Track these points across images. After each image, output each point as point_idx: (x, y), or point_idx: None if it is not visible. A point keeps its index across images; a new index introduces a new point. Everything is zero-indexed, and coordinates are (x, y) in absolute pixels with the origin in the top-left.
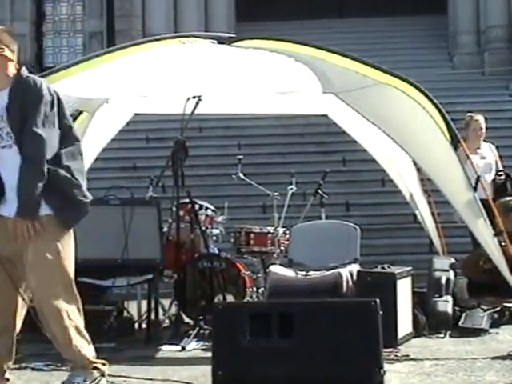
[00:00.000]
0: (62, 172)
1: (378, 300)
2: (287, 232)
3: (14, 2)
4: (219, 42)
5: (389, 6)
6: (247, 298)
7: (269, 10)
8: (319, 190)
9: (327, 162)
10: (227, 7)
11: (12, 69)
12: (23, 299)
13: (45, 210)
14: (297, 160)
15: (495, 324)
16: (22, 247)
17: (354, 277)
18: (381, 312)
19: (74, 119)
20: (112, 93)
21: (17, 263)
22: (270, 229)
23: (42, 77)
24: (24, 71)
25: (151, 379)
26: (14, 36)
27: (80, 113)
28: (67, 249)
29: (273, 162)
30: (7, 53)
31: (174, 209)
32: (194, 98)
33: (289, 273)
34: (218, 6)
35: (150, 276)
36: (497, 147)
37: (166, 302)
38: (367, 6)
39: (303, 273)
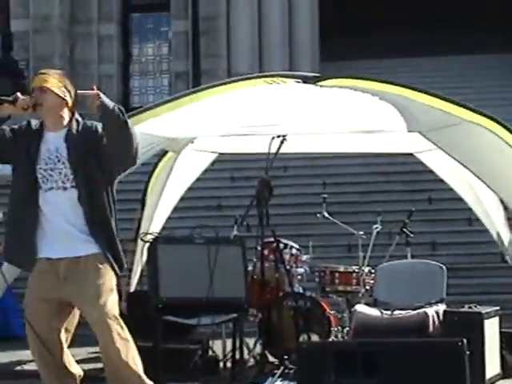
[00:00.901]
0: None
1: (464, 340)
2: (372, 271)
3: (102, 44)
4: (304, 82)
5: (476, 43)
6: (332, 338)
7: (352, 50)
8: (405, 229)
9: (413, 200)
10: (311, 46)
11: (68, 113)
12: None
13: (103, 250)
14: (382, 199)
15: None
16: (73, 288)
17: (441, 316)
18: (468, 352)
19: (160, 159)
20: (197, 132)
21: (63, 305)
22: (355, 268)
23: (129, 117)
24: (77, 116)
25: None
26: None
27: (166, 152)
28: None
29: (358, 200)
30: (68, 99)
31: (259, 248)
32: (278, 137)
33: (374, 312)
34: (302, 46)
35: (235, 315)
36: None
37: (250, 341)
38: (454, 44)
39: (388, 312)
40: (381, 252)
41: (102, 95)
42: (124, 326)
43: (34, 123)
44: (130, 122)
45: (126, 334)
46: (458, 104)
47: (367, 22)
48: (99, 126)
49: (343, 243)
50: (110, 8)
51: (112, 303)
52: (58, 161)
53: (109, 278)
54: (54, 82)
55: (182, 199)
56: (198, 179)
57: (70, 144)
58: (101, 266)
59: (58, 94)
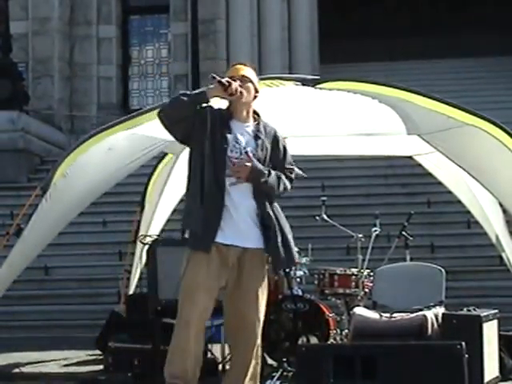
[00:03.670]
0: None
1: (463, 343)
2: (371, 274)
3: (101, 46)
4: (303, 84)
5: (475, 47)
6: (331, 340)
7: (352, 52)
8: (404, 232)
9: (412, 203)
10: (311, 49)
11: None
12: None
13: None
14: (381, 201)
15: None
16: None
17: (440, 319)
18: (466, 355)
19: (159, 161)
20: None
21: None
22: (354, 271)
23: (129, 119)
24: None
25: None
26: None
27: (165, 154)
28: None
29: (357, 203)
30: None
31: None
32: None
33: (373, 315)
34: (301, 49)
35: None
36: None
37: None
38: (453, 47)
39: (387, 315)
40: (380, 255)
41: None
42: None
43: (217, 108)
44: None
45: None
46: (458, 107)
47: (367, 24)
48: (280, 139)
49: (342, 246)
50: (109, 10)
51: None
52: (244, 153)
53: None
54: (253, 74)
55: (183, 201)
56: None
57: (258, 140)
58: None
59: (255, 87)
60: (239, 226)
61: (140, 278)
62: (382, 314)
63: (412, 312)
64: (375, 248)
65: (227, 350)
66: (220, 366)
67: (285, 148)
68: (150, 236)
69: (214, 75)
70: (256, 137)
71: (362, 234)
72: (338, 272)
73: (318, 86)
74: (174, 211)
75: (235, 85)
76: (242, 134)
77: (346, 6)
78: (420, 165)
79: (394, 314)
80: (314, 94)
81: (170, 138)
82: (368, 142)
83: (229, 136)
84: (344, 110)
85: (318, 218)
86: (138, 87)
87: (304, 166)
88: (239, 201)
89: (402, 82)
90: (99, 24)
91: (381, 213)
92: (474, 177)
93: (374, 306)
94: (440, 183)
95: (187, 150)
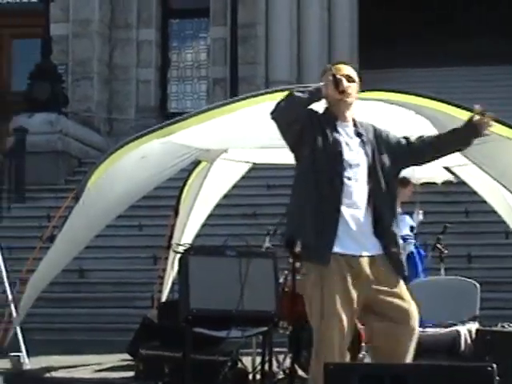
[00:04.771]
0: None
1: (494, 365)
2: None
3: (140, 49)
4: None
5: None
6: (362, 353)
7: (391, 58)
8: (438, 245)
9: (450, 212)
10: (350, 54)
11: None
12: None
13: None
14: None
15: None
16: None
17: (473, 335)
18: (497, 378)
19: (194, 167)
20: (229, 144)
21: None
22: None
23: (163, 127)
24: None
25: None
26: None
27: (199, 162)
28: None
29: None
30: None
31: (291, 260)
32: None
33: None
34: (341, 54)
35: (265, 328)
36: None
37: (281, 354)
38: (495, 53)
39: (420, 329)
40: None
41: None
42: None
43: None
44: None
45: None
46: (495, 120)
47: (407, 30)
48: (381, 129)
49: None
50: (149, 13)
51: None
52: (350, 149)
53: None
54: (355, 75)
55: (217, 206)
56: (233, 187)
57: (362, 137)
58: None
59: (357, 88)
60: (357, 232)
61: (173, 284)
62: None
63: (445, 327)
64: None
65: (258, 361)
66: (250, 376)
67: (387, 132)
68: (182, 245)
69: (330, 66)
70: (359, 135)
71: None
72: None
73: None
74: (210, 216)
75: (346, 83)
76: (348, 135)
77: (387, 12)
78: (456, 174)
79: (427, 329)
80: None
81: (204, 146)
82: None
83: (340, 138)
84: (379, 121)
85: None
86: (176, 90)
87: None
88: (356, 204)
89: (443, 89)
90: (139, 27)
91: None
92: (507, 188)
93: None
94: (476, 193)
95: (222, 157)
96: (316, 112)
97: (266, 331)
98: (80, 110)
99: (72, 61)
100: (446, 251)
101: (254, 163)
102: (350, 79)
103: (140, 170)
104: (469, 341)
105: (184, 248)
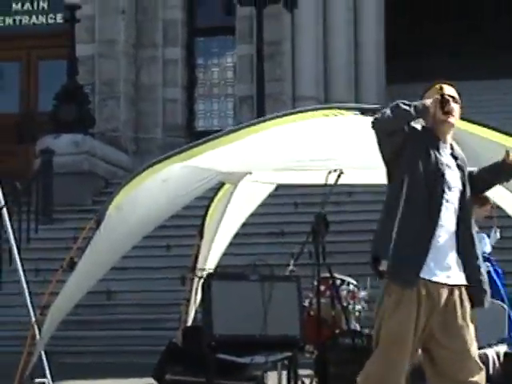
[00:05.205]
0: None
1: None
2: None
3: (167, 68)
4: (362, 113)
5: None
6: None
7: (419, 73)
8: None
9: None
10: (377, 69)
11: None
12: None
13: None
14: None
15: None
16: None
17: (501, 358)
18: None
19: (218, 189)
20: (252, 166)
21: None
22: None
23: (184, 150)
24: None
25: None
26: None
27: (223, 184)
28: None
29: None
30: None
31: (315, 283)
32: (335, 171)
33: None
34: (368, 69)
35: (290, 353)
36: None
37: (307, 378)
38: None
39: None
40: None
41: None
42: None
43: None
44: None
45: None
46: None
47: (436, 42)
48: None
49: None
50: (175, 32)
51: None
52: (450, 169)
53: None
54: (457, 96)
55: (245, 225)
56: (260, 205)
57: (459, 163)
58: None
59: (459, 111)
60: (444, 259)
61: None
62: None
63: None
64: None
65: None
66: None
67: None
68: (205, 269)
69: (442, 85)
70: (455, 158)
71: None
72: None
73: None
74: (237, 235)
75: (452, 104)
76: (448, 157)
77: (413, 26)
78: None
79: None
80: None
81: (226, 169)
82: None
83: (442, 159)
84: None
85: None
86: (203, 109)
87: (369, 189)
88: (448, 229)
89: (470, 102)
90: (165, 46)
91: None
92: None
93: None
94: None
95: (246, 179)
96: (416, 129)
97: (291, 356)
98: (107, 130)
99: (98, 81)
100: None
101: (279, 184)
102: (454, 100)
103: (161, 193)
104: (497, 364)
105: (207, 273)
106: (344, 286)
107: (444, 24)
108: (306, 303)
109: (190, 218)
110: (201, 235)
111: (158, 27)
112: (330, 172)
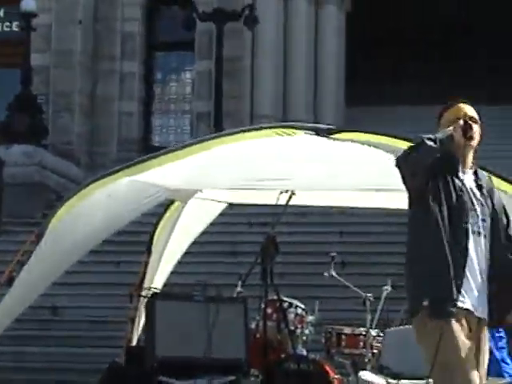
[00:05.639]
0: None
1: None
2: (381, 335)
3: (124, 81)
4: (317, 134)
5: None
6: None
7: (378, 95)
8: None
9: None
10: (337, 90)
11: None
12: None
13: None
14: (395, 260)
15: None
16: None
17: None
18: None
19: (167, 207)
20: (200, 184)
21: None
22: (363, 330)
23: (132, 165)
24: None
25: None
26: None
27: (172, 201)
28: None
29: (372, 251)
30: None
31: (263, 305)
32: (286, 191)
33: (379, 380)
34: (327, 89)
35: (233, 377)
36: None
37: None
38: (481, 92)
39: (394, 381)
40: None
41: None
42: None
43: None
44: None
45: None
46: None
47: (394, 68)
48: (495, 190)
49: (352, 304)
50: (133, 45)
51: None
52: (475, 198)
53: None
54: (477, 115)
55: (195, 243)
56: (212, 224)
57: (482, 189)
58: None
59: (479, 132)
60: (476, 290)
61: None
62: (390, 380)
63: (421, 379)
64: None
65: None
66: None
67: (496, 192)
68: (148, 289)
69: (465, 109)
70: (478, 186)
71: (374, 288)
72: (346, 331)
73: (331, 135)
74: (187, 254)
75: (475, 128)
76: (470, 184)
77: (375, 49)
78: None
79: (402, 381)
80: (327, 145)
81: (173, 186)
82: (385, 196)
83: (463, 188)
84: (356, 164)
85: (326, 274)
86: (160, 124)
87: (322, 211)
88: (477, 259)
89: (427, 127)
90: (123, 59)
91: (398, 262)
92: None
93: (381, 370)
94: None
95: (196, 196)
96: (438, 160)
97: (235, 380)
98: (60, 142)
99: (53, 92)
100: None
101: (230, 203)
102: (474, 121)
103: (106, 208)
104: None
105: (151, 292)
106: (292, 309)
107: (404, 49)
108: (253, 325)
109: (141, 235)
110: (148, 252)
111: (116, 40)
112: (281, 192)
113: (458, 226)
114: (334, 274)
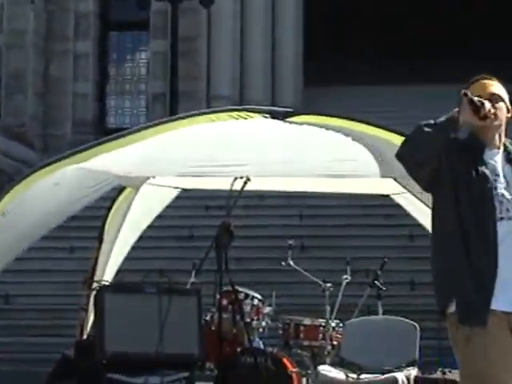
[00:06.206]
0: None
1: None
2: (341, 325)
3: (78, 62)
4: (272, 117)
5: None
6: None
7: (338, 75)
8: (376, 281)
9: (393, 236)
10: (295, 72)
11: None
12: None
13: None
14: (361, 233)
15: None
16: None
17: (411, 382)
18: None
19: (119, 193)
20: (151, 171)
21: None
22: (322, 321)
23: (79, 152)
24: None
25: None
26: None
27: (124, 188)
28: None
29: (335, 234)
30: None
31: (218, 296)
32: (241, 178)
33: (339, 375)
34: (285, 70)
35: (187, 374)
36: None
37: None
38: (441, 71)
39: (354, 376)
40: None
41: None
42: None
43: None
44: None
45: None
46: None
47: (354, 45)
48: None
49: (309, 294)
50: (87, 25)
51: None
52: (495, 187)
53: None
54: (503, 90)
55: (150, 227)
56: (168, 207)
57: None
58: None
59: (506, 106)
60: (508, 284)
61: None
62: (349, 374)
63: (382, 373)
64: (346, 296)
65: None
66: None
67: None
68: (97, 282)
69: (466, 92)
70: (510, 160)
71: (330, 283)
72: (305, 322)
73: (288, 119)
74: (143, 238)
75: (488, 106)
76: (496, 164)
77: (333, 26)
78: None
79: (362, 375)
80: (283, 129)
81: (123, 172)
82: (344, 180)
83: (486, 171)
84: (314, 148)
85: (283, 263)
86: (115, 105)
87: (282, 194)
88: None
89: (389, 107)
90: (76, 39)
91: (360, 245)
92: None
93: (341, 363)
94: None
95: (148, 182)
96: (456, 141)
97: (189, 376)
98: (13, 125)
99: (5, 73)
100: (384, 288)
101: (184, 189)
102: (495, 98)
103: (53, 196)
104: None
105: (100, 285)
106: (248, 301)
107: (363, 27)
108: (208, 317)
109: (96, 219)
110: (100, 239)
111: (70, 19)
112: (235, 179)
113: (481, 215)
114: (291, 262)
